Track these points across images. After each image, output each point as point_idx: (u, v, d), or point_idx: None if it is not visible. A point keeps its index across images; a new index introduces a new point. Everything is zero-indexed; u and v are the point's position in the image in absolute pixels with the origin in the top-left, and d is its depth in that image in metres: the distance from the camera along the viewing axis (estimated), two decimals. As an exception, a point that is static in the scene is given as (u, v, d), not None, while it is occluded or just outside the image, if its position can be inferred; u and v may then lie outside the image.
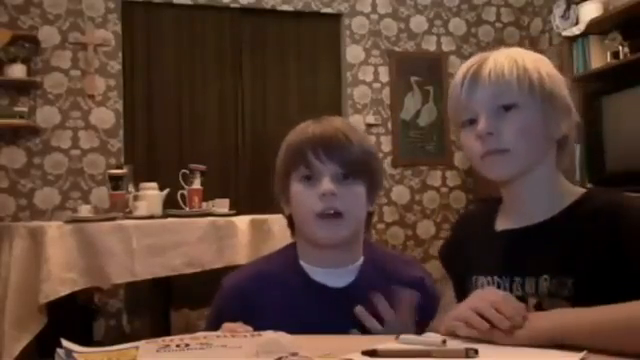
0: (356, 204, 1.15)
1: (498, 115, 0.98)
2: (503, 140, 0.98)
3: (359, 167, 1.15)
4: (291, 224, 1.24)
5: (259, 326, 0.95)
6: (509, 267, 1.01)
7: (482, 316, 0.85)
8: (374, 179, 1.20)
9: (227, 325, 1.01)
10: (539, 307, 0.95)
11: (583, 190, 1.03)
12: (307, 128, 1.18)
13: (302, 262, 1.21)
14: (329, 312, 1.14)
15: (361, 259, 1.21)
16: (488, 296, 0.89)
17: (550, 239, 0.98)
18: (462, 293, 1.06)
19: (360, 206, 1.17)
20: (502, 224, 1.09)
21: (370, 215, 1.23)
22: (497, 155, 0.98)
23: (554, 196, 1.02)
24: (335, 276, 1.18)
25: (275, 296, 1.18)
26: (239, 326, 0.99)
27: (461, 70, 1.04)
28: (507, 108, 0.98)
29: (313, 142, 1.15)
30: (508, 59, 1.01)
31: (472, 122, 1.01)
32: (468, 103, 1.01)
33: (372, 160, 1.20)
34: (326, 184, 1.12)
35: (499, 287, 1.01)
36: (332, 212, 1.12)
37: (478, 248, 1.09)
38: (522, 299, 0.96)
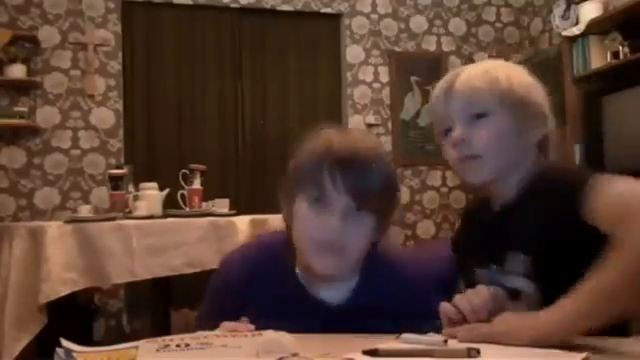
0: (361, 239, 1.07)
1: (470, 123, 1.04)
2: (474, 146, 1.03)
3: (375, 200, 1.04)
4: (289, 231, 1.14)
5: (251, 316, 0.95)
6: (490, 256, 1.07)
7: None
8: (389, 210, 1.10)
9: (226, 324, 1.01)
10: (514, 292, 1.00)
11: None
12: (330, 144, 1.06)
13: (298, 270, 1.14)
14: (322, 330, 1.06)
15: (359, 273, 1.13)
16: (470, 291, 0.95)
17: (510, 221, 1.04)
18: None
19: (365, 240, 1.08)
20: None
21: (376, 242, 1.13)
22: (470, 161, 1.04)
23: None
24: (331, 290, 1.12)
25: (268, 299, 1.12)
26: (239, 325, 0.99)
27: (439, 83, 1.10)
28: (478, 116, 1.03)
29: (331, 164, 1.03)
30: (480, 71, 1.07)
31: (449, 131, 1.07)
32: (445, 113, 1.07)
33: (391, 191, 1.10)
34: (334, 220, 1.03)
35: (489, 278, 1.05)
36: (333, 247, 1.04)
37: (475, 240, 1.14)
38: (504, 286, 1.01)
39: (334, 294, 1.12)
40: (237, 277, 1.16)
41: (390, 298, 1.11)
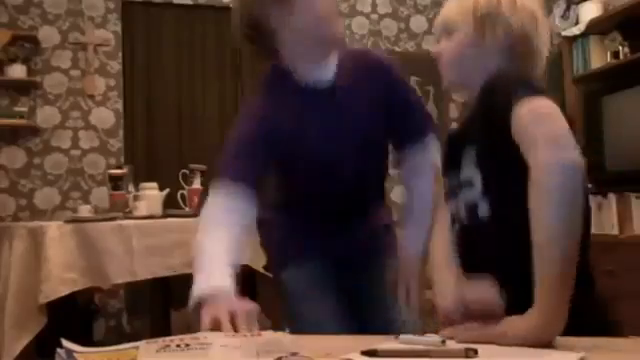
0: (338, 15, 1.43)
1: (445, 39, 1.22)
2: (444, 54, 1.21)
3: None
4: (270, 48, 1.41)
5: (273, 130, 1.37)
6: (457, 158, 1.16)
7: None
8: None
9: (224, 313, 1.01)
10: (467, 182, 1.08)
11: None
12: None
13: (295, 75, 1.43)
14: (320, 111, 1.43)
15: (336, 57, 1.47)
16: (476, 289, 0.94)
17: (468, 121, 1.16)
18: None
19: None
20: None
21: None
22: (442, 67, 1.23)
23: None
24: (320, 74, 1.43)
25: (281, 108, 1.41)
26: (236, 302, 1.00)
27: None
28: (449, 34, 1.20)
29: None
30: None
31: None
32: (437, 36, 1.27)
33: None
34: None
35: (452, 179, 1.15)
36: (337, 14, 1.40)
37: (449, 150, 1.25)
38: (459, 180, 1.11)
39: (322, 77, 1.44)
40: (257, 109, 1.44)
41: (365, 77, 1.47)
